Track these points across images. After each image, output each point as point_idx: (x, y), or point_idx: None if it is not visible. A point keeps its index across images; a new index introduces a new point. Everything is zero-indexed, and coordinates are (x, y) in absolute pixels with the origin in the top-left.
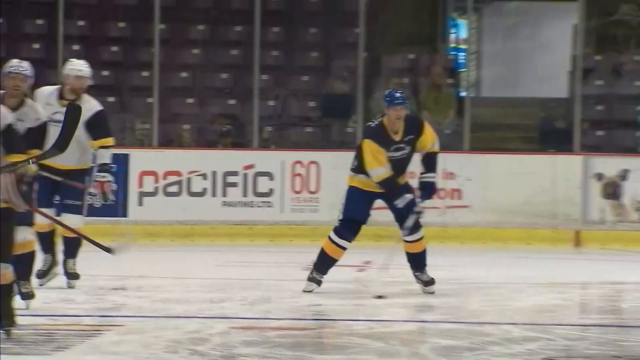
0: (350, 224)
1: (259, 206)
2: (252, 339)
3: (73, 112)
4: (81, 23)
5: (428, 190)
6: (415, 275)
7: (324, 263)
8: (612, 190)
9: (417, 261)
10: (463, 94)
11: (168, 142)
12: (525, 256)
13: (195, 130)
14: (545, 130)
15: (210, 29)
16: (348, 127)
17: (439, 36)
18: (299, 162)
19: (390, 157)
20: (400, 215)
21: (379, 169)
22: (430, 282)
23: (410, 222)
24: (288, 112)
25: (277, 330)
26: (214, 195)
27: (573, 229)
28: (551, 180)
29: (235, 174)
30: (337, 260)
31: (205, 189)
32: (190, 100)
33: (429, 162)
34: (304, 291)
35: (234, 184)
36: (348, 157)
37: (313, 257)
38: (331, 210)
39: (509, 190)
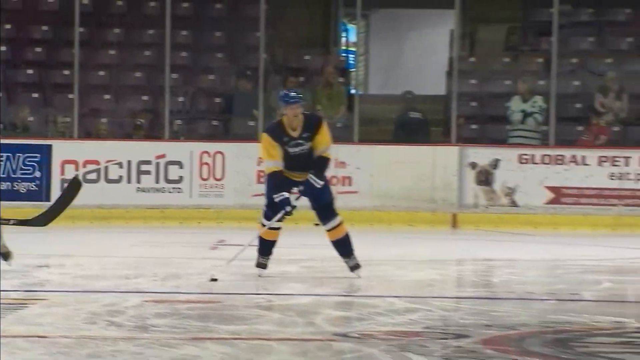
0: (275, 206)
1: (169, 192)
2: (163, 311)
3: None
4: (8, 26)
5: (308, 190)
6: (345, 262)
7: (264, 247)
8: (485, 178)
9: (340, 247)
10: (353, 91)
11: (87, 134)
12: (407, 237)
13: (111, 124)
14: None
15: (125, 32)
16: (250, 122)
17: (331, 39)
18: (206, 152)
19: (291, 152)
20: (320, 207)
21: (269, 162)
22: (355, 267)
23: (276, 219)
24: (196, 108)
25: (186, 303)
26: (129, 182)
27: (450, 212)
28: (431, 169)
29: (148, 162)
30: (275, 241)
31: (121, 177)
32: (107, 97)
33: (318, 166)
34: (259, 276)
35: (147, 172)
36: (250, 147)
37: (219, 236)
38: (235, 195)
39: (393, 177)
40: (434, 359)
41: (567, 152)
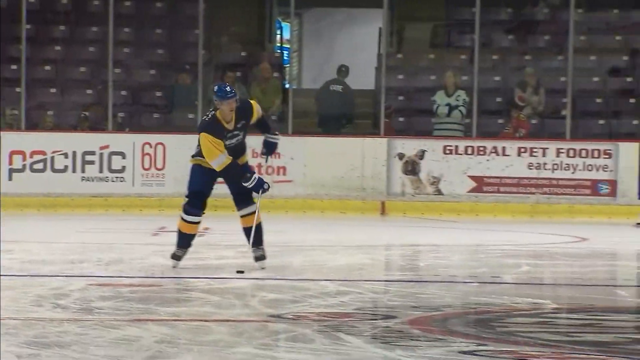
0: (195, 198)
1: (113, 181)
2: (106, 294)
3: None
4: None
5: (269, 147)
6: (252, 251)
7: (182, 240)
8: (411, 168)
9: (252, 234)
10: (287, 85)
11: (34, 126)
12: (339, 223)
13: (57, 116)
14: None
15: (70, 29)
16: (189, 114)
17: (266, 37)
18: (147, 143)
19: (228, 144)
20: (239, 193)
21: (220, 157)
22: (261, 257)
23: (258, 203)
24: (138, 101)
25: (129, 286)
26: (74, 171)
27: (379, 200)
28: (360, 159)
29: (92, 153)
30: (194, 235)
31: (66, 166)
32: (53, 90)
33: (264, 125)
34: (172, 267)
35: (91, 162)
36: (190, 139)
37: (160, 223)
38: (175, 184)
39: (326, 167)
40: (364, 339)
41: (489, 144)
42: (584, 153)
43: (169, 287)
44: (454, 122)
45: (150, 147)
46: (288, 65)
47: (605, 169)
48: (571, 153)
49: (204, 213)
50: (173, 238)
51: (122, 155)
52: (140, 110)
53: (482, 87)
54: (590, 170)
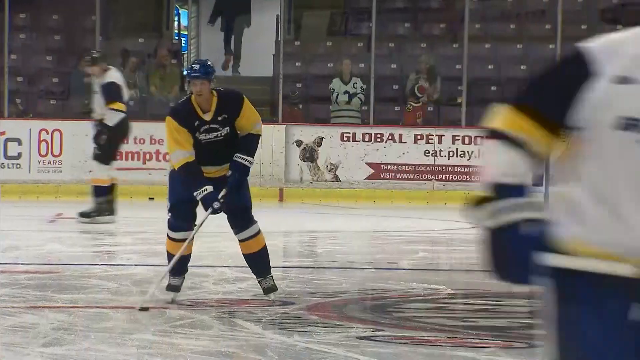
0: (178, 209)
1: (9, 167)
2: (2, 281)
3: None
4: None
5: (238, 171)
6: (258, 281)
7: (171, 268)
8: (309, 154)
9: (255, 263)
10: (185, 72)
11: None
12: None
13: None
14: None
15: None
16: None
17: (164, 23)
18: (44, 129)
19: (202, 140)
20: (229, 211)
21: (178, 152)
22: (271, 289)
23: (201, 220)
24: (36, 87)
25: (25, 273)
26: None
27: (277, 187)
28: (266, 145)
29: None
30: (180, 259)
31: None
32: None
33: (246, 143)
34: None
35: None
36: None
37: (57, 210)
38: (72, 171)
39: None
40: (262, 325)
41: (386, 131)
42: (479, 140)
43: (66, 274)
44: (352, 109)
45: (47, 133)
46: (186, 52)
47: None
48: (466, 140)
49: (194, 225)
50: (70, 225)
51: (18, 141)
52: (37, 96)
53: (379, 74)
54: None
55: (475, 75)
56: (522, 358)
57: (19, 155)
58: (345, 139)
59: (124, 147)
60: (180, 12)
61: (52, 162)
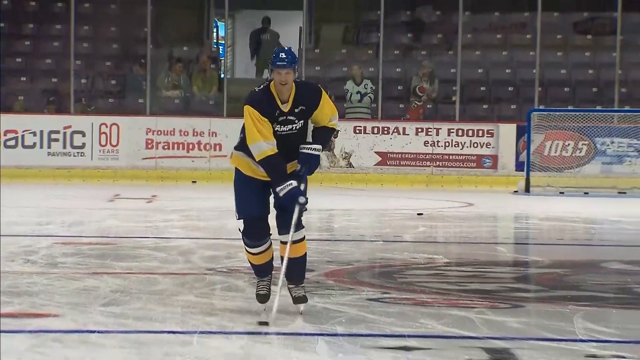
0: (250, 225)
1: (74, 156)
2: (69, 251)
3: None
4: None
5: (309, 162)
6: (289, 288)
7: (255, 270)
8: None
9: (293, 269)
10: (222, 75)
11: (7, 109)
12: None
13: (27, 101)
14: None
15: (37, 27)
16: (140, 99)
17: (205, 34)
18: (104, 123)
19: (277, 131)
20: (280, 208)
21: (261, 143)
22: (301, 299)
23: (295, 216)
24: (97, 88)
25: (88, 245)
26: (41, 147)
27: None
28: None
29: (57, 132)
30: (264, 264)
31: (35, 143)
32: (23, 79)
33: (320, 134)
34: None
35: (56, 140)
36: (140, 120)
37: (115, 192)
38: (127, 158)
39: None
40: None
41: (392, 125)
42: (470, 132)
43: (122, 246)
44: (363, 107)
45: (106, 127)
46: (223, 58)
47: (489, 146)
48: (460, 132)
49: (269, 234)
50: (125, 203)
51: (82, 134)
52: (98, 95)
53: (386, 77)
54: (475, 147)
55: (467, 77)
56: (506, 316)
57: (83, 145)
58: (357, 131)
59: (171, 139)
60: (218, 24)
61: (110, 151)
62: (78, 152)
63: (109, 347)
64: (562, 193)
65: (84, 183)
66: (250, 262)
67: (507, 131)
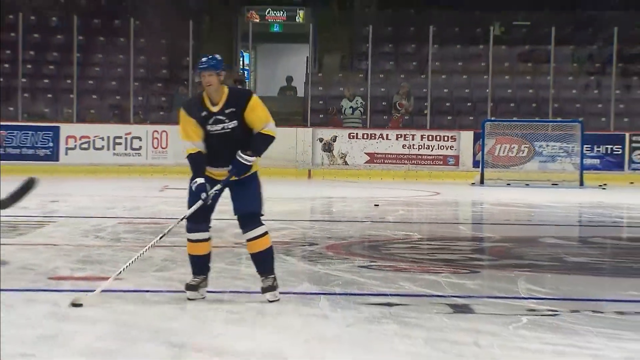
0: (194, 214)
1: (133, 155)
2: (129, 229)
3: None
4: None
5: (235, 166)
6: (261, 280)
7: (192, 265)
8: (328, 147)
9: (259, 262)
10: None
11: (82, 119)
12: (281, 183)
13: (97, 113)
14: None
15: (104, 57)
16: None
17: (233, 61)
18: (156, 130)
19: (210, 131)
20: (238, 208)
21: (184, 142)
22: (269, 288)
23: (193, 209)
24: (151, 103)
25: (143, 224)
26: (108, 149)
27: (307, 168)
28: (295, 142)
29: (120, 137)
30: (204, 256)
31: (103, 146)
32: (94, 97)
33: (255, 141)
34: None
35: (119, 143)
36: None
37: (164, 183)
38: (174, 157)
39: (273, 146)
40: (297, 258)
41: (378, 132)
42: (438, 138)
43: (170, 225)
44: (355, 118)
45: (158, 133)
46: (248, 80)
47: (452, 149)
48: (430, 138)
49: (210, 227)
50: (173, 193)
51: (139, 139)
52: (151, 109)
53: (373, 95)
54: (442, 149)
55: (436, 95)
56: (465, 280)
57: (140, 148)
58: (351, 137)
59: None
60: (244, 54)
61: (161, 152)
62: (136, 153)
63: (159, 303)
64: (509, 184)
65: (140, 177)
66: (189, 256)
67: (466, 137)
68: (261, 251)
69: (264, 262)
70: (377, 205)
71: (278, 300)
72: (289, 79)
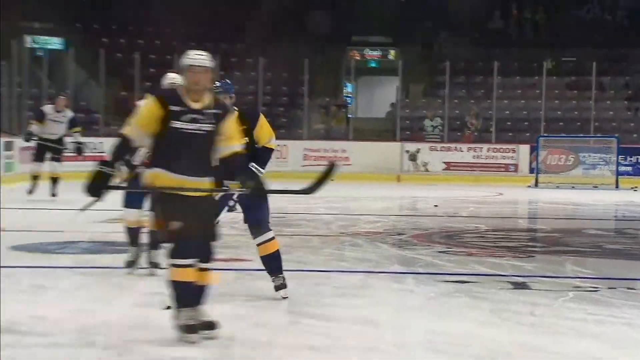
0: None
1: None
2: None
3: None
4: None
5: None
6: (271, 280)
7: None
8: (413, 157)
9: (269, 264)
10: (350, 115)
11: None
12: (376, 186)
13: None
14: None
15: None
16: (299, 130)
17: (339, 90)
18: (279, 145)
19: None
20: (248, 212)
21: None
22: (281, 287)
23: (267, 226)
24: (275, 124)
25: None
26: None
27: (396, 174)
28: (387, 153)
29: None
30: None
31: None
32: None
33: (262, 155)
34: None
35: None
36: (299, 143)
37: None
38: (292, 165)
39: (369, 156)
40: (389, 245)
41: (453, 145)
42: (501, 150)
43: (288, 218)
44: (436, 135)
45: (279, 147)
46: (350, 105)
47: (512, 158)
48: (495, 150)
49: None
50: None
51: None
52: (274, 128)
53: (449, 116)
54: (504, 159)
55: (500, 117)
56: (523, 263)
57: None
58: (432, 149)
59: (318, 153)
60: (347, 84)
61: (282, 161)
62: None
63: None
64: (558, 187)
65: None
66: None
67: (524, 149)
68: (270, 254)
69: (272, 263)
70: (437, 205)
71: (287, 297)
72: (393, 105)
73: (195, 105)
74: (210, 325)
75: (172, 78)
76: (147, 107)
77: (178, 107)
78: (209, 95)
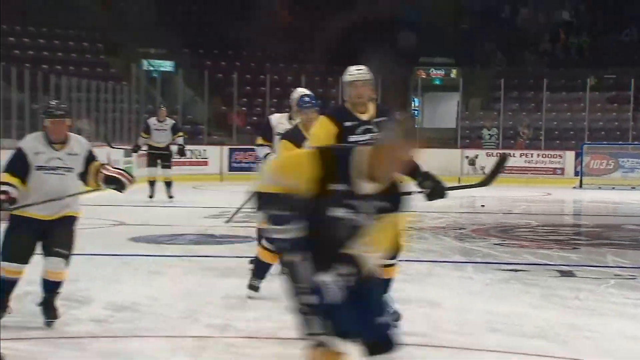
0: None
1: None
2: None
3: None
4: None
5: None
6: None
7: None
8: (472, 162)
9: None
10: (416, 126)
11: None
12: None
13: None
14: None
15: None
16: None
17: (407, 104)
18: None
19: (357, 141)
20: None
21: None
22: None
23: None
24: None
25: None
26: None
27: (457, 176)
28: (452, 159)
29: None
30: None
31: None
32: None
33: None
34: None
35: None
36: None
37: None
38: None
39: (435, 161)
40: (451, 238)
41: (507, 151)
42: (550, 155)
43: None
44: (492, 142)
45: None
46: (417, 116)
47: (559, 163)
48: (544, 155)
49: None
50: None
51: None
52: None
53: (504, 126)
54: (552, 163)
55: (548, 127)
56: (569, 254)
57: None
58: (488, 155)
59: None
60: (415, 99)
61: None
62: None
63: None
64: (600, 188)
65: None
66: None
67: (570, 155)
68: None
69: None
70: (483, 206)
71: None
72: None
73: (364, 117)
74: None
75: (300, 92)
76: (322, 127)
77: (350, 122)
78: (372, 106)
